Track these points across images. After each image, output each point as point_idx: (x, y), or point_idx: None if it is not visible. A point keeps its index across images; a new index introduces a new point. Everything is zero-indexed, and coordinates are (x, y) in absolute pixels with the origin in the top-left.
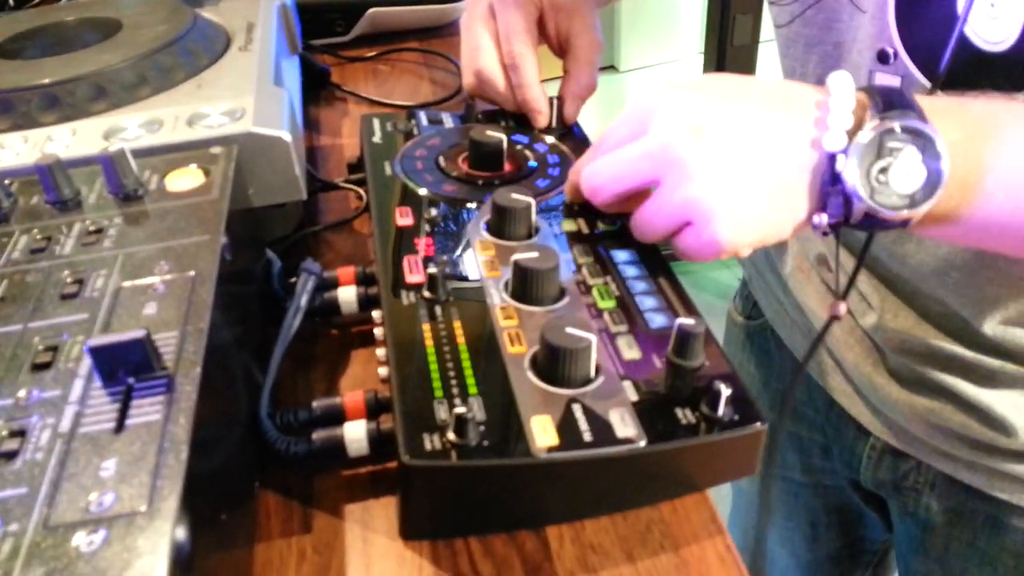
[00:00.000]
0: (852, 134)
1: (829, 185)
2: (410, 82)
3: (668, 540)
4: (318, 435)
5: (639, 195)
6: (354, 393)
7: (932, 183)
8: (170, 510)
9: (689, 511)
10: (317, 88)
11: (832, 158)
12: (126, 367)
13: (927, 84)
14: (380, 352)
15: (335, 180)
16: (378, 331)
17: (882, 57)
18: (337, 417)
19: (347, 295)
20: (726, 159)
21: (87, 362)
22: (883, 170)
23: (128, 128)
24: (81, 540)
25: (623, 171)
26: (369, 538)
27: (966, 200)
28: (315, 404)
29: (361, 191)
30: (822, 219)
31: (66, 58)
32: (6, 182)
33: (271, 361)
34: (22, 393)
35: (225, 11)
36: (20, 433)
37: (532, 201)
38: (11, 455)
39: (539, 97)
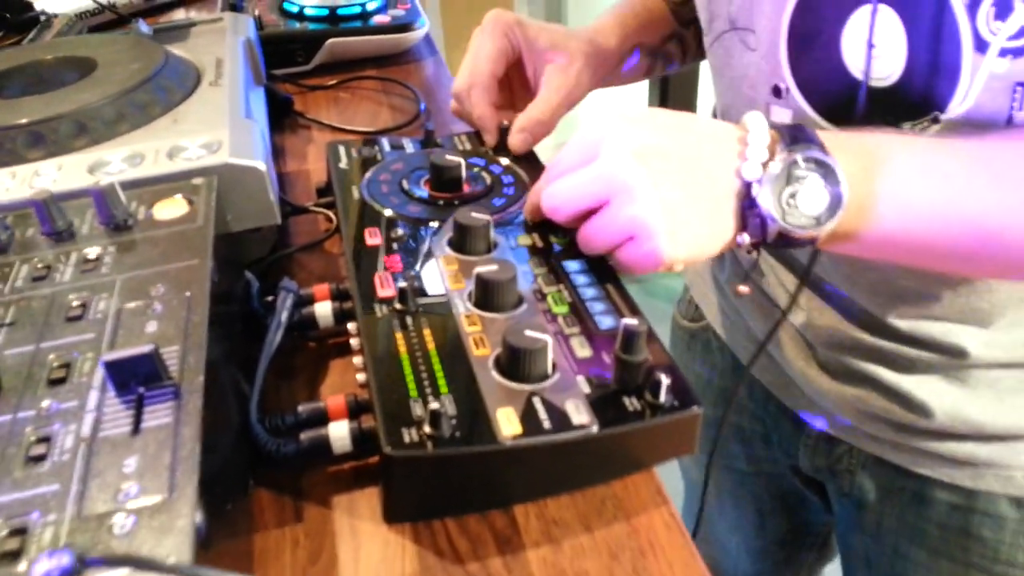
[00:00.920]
0: (765, 165)
1: (748, 208)
2: (370, 109)
3: (620, 512)
4: (305, 435)
5: (593, 213)
6: (335, 397)
7: (834, 206)
8: (189, 497)
9: (638, 486)
10: (281, 116)
11: (750, 185)
12: (137, 378)
13: (816, 117)
14: (357, 360)
15: (305, 204)
16: (354, 341)
17: (776, 92)
18: (321, 419)
19: (323, 310)
20: (666, 183)
21: (100, 375)
22: (792, 195)
23: (112, 162)
24: (114, 525)
25: (578, 192)
26: (356, 524)
27: (863, 221)
28: (300, 408)
29: (330, 214)
30: (744, 238)
31: (47, 97)
32: (1, 216)
33: (257, 372)
34: (45, 404)
35: (193, 47)
36: (45, 439)
37: (490, 219)
38: (40, 458)
39: (485, 118)
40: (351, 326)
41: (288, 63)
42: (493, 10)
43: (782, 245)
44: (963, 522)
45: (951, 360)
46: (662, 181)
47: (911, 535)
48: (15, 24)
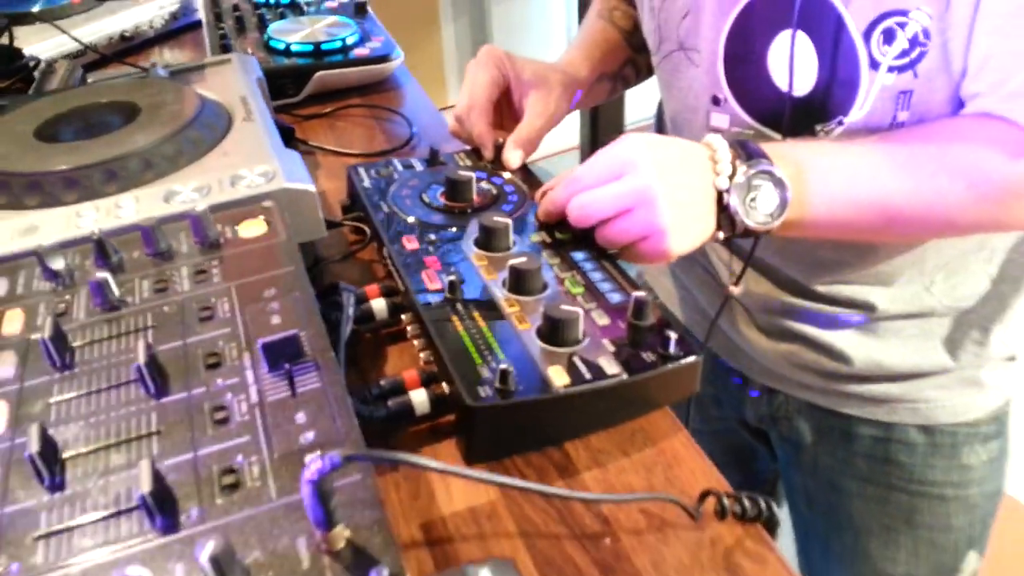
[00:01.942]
0: (731, 177)
1: (722, 211)
2: (364, 133)
3: (648, 440)
4: (393, 402)
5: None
6: (409, 371)
7: (782, 205)
8: (356, 432)
9: (658, 420)
10: (285, 144)
11: (722, 193)
12: (285, 356)
13: (750, 121)
14: (416, 343)
15: (338, 219)
16: (409, 328)
17: (715, 101)
18: (399, 389)
19: (379, 305)
20: (675, 194)
21: (247, 358)
22: (752, 199)
23: (182, 192)
24: (306, 458)
25: (611, 203)
26: None
27: (802, 212)
28: (382, 381)
29: (360, 226)
30: (719, 234)
31: (109, 138)
32: (113, 241)
33: (339, 355)
34: (211, 383)
35: (213, 87)
36: (222, 408)
37: (510, 221)
38: (224, 421)
39: (483, 136)
40: (404, 317)
41: (279, 95)
42: (486, 46)
43: (746, 236)
44: (883, 451)
45: (864, 315)
46: (672, 192)
47: (842, 467)
48: (7, 72)
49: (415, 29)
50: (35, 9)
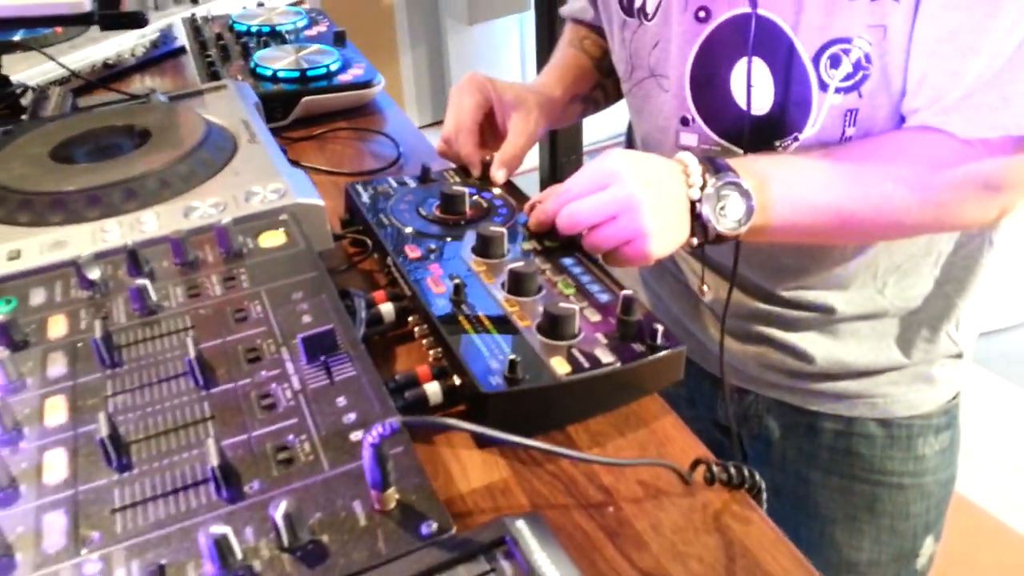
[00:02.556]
0: (702, 188)
1: (696, 219)
2: (353, 154)
3: (641, 422)
4: (409, 393)
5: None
6: (421, 366)
7: (748, 212)
8: (394, 413)
9: (649, 404)
10: None
11: (695, 203)
12: (322, 349)
13: (716, 138)
14: (425, 342)
15: (339, 232)
16: (417, 329)
17: (684, 121)
18: (412, 383)
19: (387, 309)
20: (657, 203)
21: (285, 352)
22: (723, 208)
23: (200, 208)
24: (351, 435)
25: (598, 212)
26: (456, 451)
27: (767, 218)
28: (397, 376)
29: (362, 238)
30: (693, 240)
31: (123, 159)
32: (143, 253)
33: None
34: (255, 375)
35: (214, 112)
36: (267, 395)
37: (504, 231)
38: (271, 407)
39: (471, 156)
40: (412, 319)
41: (268, 119)
42: (470, 73)
43: (717, 242)
44: (845, 444)
45: (823, 317)
46: (653, 201)
47: (808, 461)
48: None
49: (376, 57)
50: (17, 38)
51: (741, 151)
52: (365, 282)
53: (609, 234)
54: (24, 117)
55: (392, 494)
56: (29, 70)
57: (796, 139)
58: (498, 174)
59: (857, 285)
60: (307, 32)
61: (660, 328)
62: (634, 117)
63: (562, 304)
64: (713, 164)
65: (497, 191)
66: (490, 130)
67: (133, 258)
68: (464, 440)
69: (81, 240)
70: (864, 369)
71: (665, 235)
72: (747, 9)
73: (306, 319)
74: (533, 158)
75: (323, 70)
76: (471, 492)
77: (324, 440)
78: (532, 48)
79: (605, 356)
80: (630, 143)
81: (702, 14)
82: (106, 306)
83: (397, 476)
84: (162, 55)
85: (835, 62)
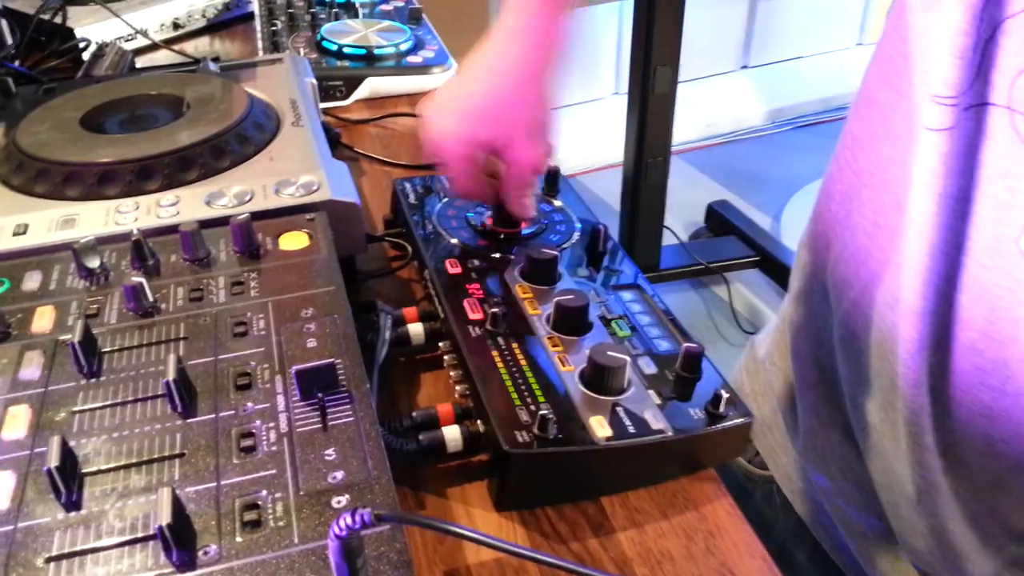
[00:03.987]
0: None
1: None
2: (411, 143)
3: (689, 502)
4: (424, 436)
5: None
6: (444, 404)
7: None
8: (387, 477)
9: (702, 482)
10: (331, 149)
11: None
12: (318, 385)
13: None
14: (453, 374)
15: (378, 234)
16: (447, 358)
17: None
18: (432, 423)
19: (416, 330)
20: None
21: (278, 383)
22: None
23: (226, 196)
24: (332, 501)
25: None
26: (471, 511)
27: None
28: (415, 413)
29: (402, 242)
30: None
31: (154, 133)
32: (151, 243)
33: (372, 382)
34: (240, 406)
35: (264, 87)
36: (250, 434)
37: (557, 253)
38: (251, 449)
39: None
40: (442, 344)
41: (328, 98)
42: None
43: None
44: None
45: None
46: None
47: None
48: (57, 52)
49: (465, 41)
50: None
51: None
52: (400, 292)
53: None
54: (79, 75)
55: None
56: (96, 24)
57: None
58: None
59: None
60: (383, 6)
61: (724, 394)
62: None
63: (611, 352)
64: None
65: (559, 203)
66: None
67: (138, 249)
68: (482, 496)
69: (93, 220)
70: None
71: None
72: None
73: (311, 343)
74: (616, 153)
75: (391, 49)
76: (479, 565)
77: (301, 503)
78: (629, 38)
79: (655, 420)
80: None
81: None
82: (99, 301)
83: (376, 567)
84: (233, 18)
85: None
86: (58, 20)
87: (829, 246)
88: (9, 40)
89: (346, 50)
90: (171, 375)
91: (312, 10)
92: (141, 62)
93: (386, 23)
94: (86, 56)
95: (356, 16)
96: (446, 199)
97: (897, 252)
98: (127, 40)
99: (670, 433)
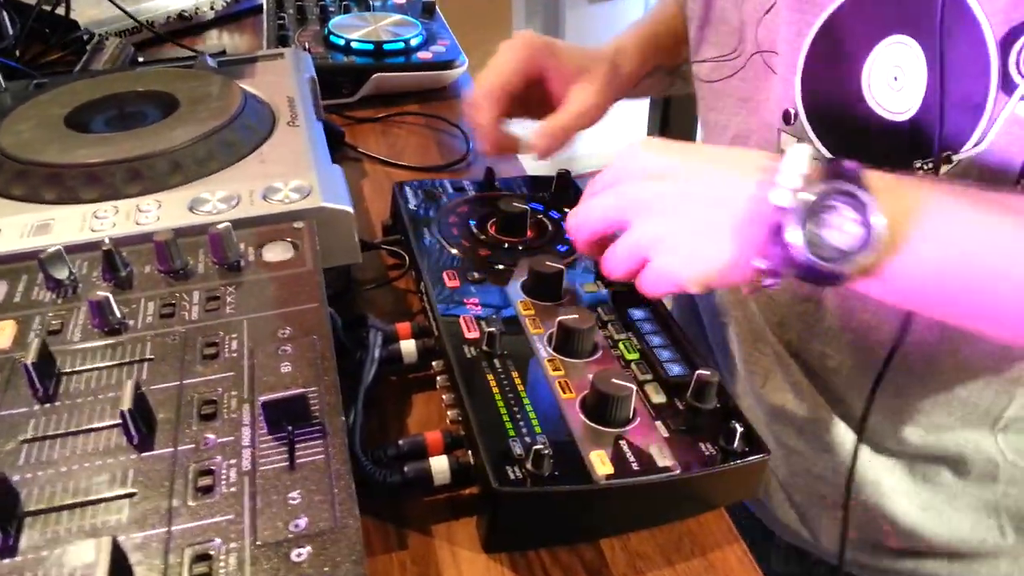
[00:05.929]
0: (796, 192)
1: (772, 235)
2: (418, 144)
3: (697, 547)
4: (409, 467)
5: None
6: (432, 432)
7: (864, 240)
8: (355, 527)
9: (711, 524)
10: (332, 148)
11: (776, 212)
12: (288, 417)
13: (819, 145)
14: (445, 397)
15: (376, 242)
16: (439, 379)
17: (786, 117)
18: (419, 452)
19: (408, 347)
20: (688, 202)
21: (246, 412)
22: (821, 226)
23: (209, 201)
24: (291, 553)
25: (597, 213)
26: (457, 552)
27: (890, 260)
28: (401, 441)
29: (401, 251)
30: (760, 262)
31: (139, 132)
32: (124, 252)
33: (356, 405)
34: (201, 438)
35: (261, 84)
36: (209, 472)
37: (563, 268)
38: (208, 489)
39: (484, 127)
40: (435, 364)
41: (333, 94)
42: (524, 31)
43: (807, 278)
44: None
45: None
46: (678, 199)
47: None
48: (60, 43)
49: (486, 36)
50: None
51: None
52: (397, 304)
53: (620, 248)
54: (77, 68)
55: None
56: (102, 16)
57: (948, 160)
58: (540, 142)
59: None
60: (396, 0)
61: (739, 428)
62: (728, 110)
63: (615, 380)
64: (836, 165)
65: (567, 211)
66: (539, 103)
67: (109, 259)
68: (470, 534)
69: (69, 225)
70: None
71: (698, 250)
72: None
73: (285, 367)
74: None
75: (400, 44)
76: None
77: (257, 554)
78: None
79: (662, 457)
80: None
81: None
82: (63, 316)
83: None
84: (242, 11)
85: None
86: (61, 11)
87: None
88: (10, 31)
89: (353, 44)
90: (126, 404)
91: (322, 3)
92: (144, 56)
93: (397, 17)
94: (88, 49)
95: (368, 9)
96: (448, 203)
97: None
98: (132, 32)
99: (678, 471)
